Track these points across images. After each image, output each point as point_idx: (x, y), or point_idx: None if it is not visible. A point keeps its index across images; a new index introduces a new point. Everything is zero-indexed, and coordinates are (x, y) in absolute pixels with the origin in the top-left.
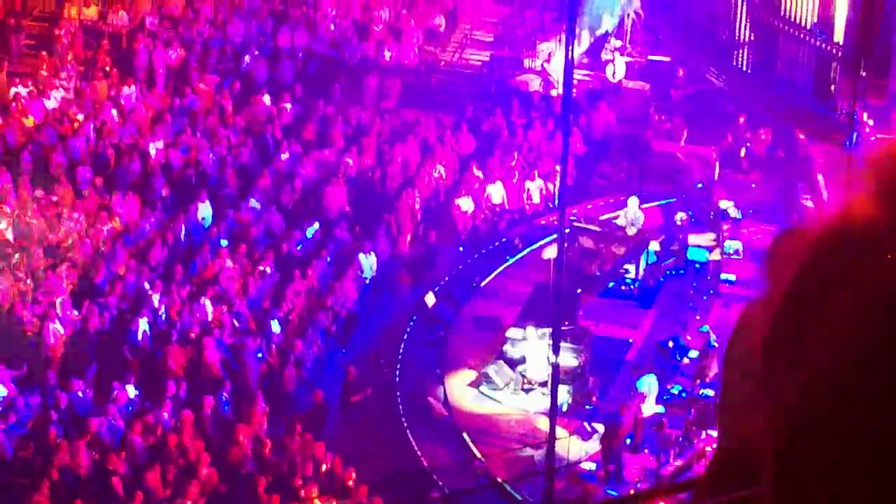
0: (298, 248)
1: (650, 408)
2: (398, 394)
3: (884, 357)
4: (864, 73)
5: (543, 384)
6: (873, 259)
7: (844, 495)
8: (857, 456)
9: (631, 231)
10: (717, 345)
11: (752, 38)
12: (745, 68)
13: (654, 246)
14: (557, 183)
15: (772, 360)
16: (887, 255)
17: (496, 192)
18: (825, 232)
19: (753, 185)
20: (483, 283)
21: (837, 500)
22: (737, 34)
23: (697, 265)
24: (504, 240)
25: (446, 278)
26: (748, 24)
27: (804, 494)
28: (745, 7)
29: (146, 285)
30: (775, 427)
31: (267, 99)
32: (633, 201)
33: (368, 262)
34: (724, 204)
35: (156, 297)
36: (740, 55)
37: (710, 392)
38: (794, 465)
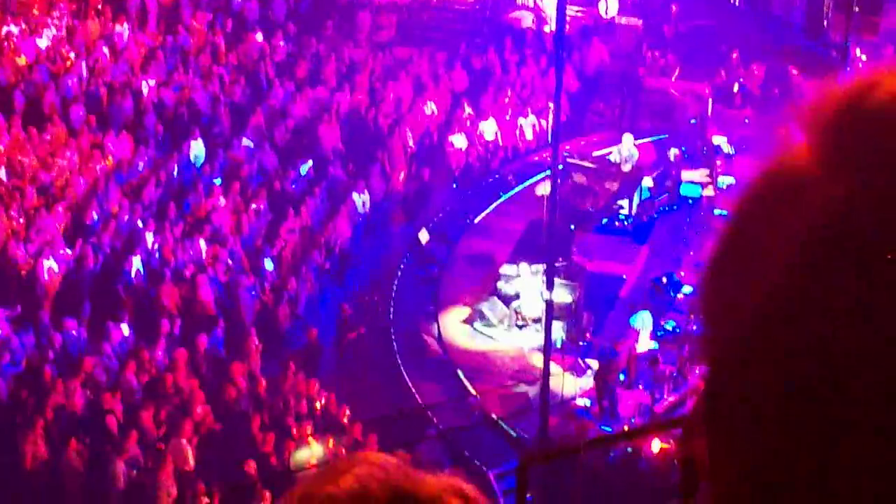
0: (293, 185)
1: (644, 344)
2: (392, 331)
3: (803, 297)
4: (856, 9)
5: (537, 320)
6: (800, 198)
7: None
8: (782, 399)
9: (626, 168)
10: None
11: None
12: (738, 4)
13: (648, 182)
14: (550, 119)
15: (704, 303)
16: (812, 193)
17: (489, 129)
18: (761, 172)
19: (746, 121)
20: (476, 220)
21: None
22: None
23: (691, 201)
24: (497, 176)
25: (440, 215)
26: None
27: (732, 434)
28: None
29: (139, 223)
30: (708, 366)
31: (259, 37)
32: (627, 138)
33: (361, 200)
34: (718, 140)
35: (149, 236)
36: None
37: None
38: (723, 409)
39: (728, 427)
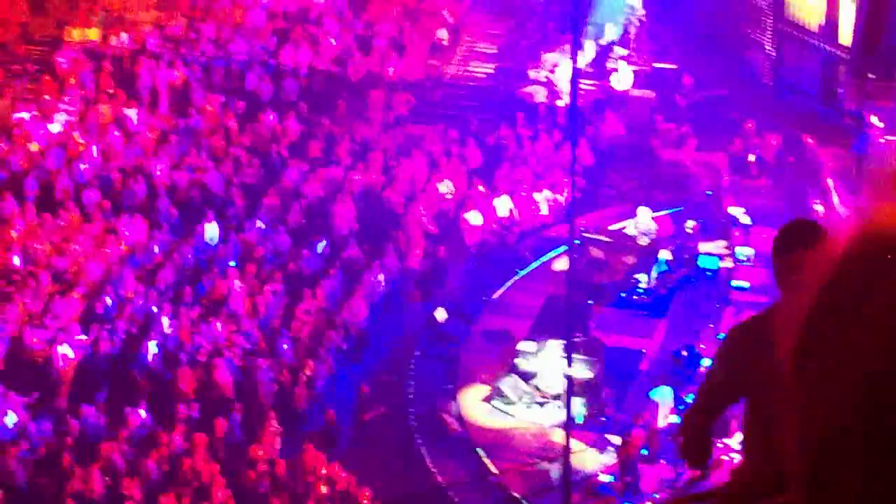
0: (308, 266)
1: (665, 418)
2: (411, 410)
3: None
4: (871, 76)
5: (557, 397)
6: None
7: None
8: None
9: (643, 241)
10: None
11: (758, 42)
12: (751, 74)
13: (665, 255)
14: (566, 194)
15: (801, 372)
16: None
17: (504, 205)
18: (854, 238)
19: (763, 191)
20: (494, 297)
21: None
22: (742, 40)
23: (709, 273)
24: (514, 252)
25: (456, 293)
26: (754, 29)
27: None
28: (750, 13)
29: (154, 308)
30: (805, 441)
31: (271, 117)
32: (643, 211)
33: (377, 279)
34: (734, 210)
35: (165, 320)
36: (746, 61)
37: None
38: (826, 479)
39: None
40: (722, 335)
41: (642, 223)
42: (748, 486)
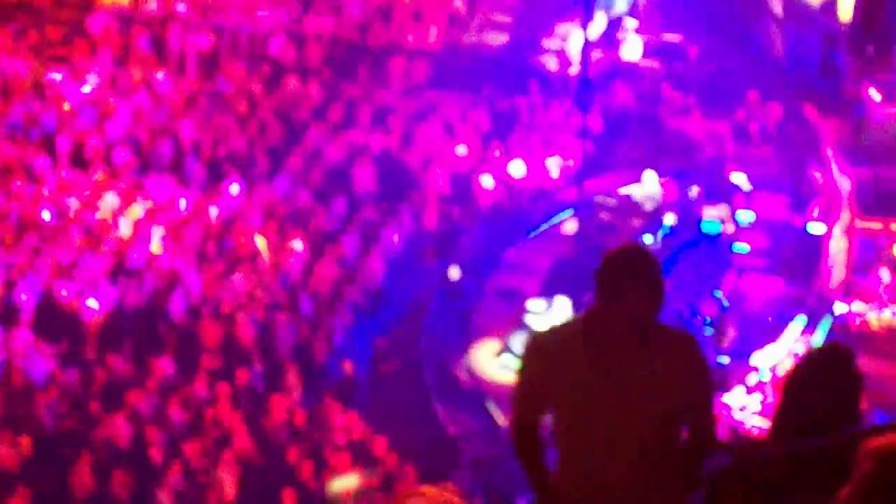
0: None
1: None
2: (425, 364)
3: None
4: (870, 49)
5: None
6: None
7: None
8: None
9: (648, 205)
10: (727, 305)
11: (763, 17)
12: (755, 46)
13: (670, 219)
14: (575, 159)
15: None
16: None
17: (517, 169)
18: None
19: (764, 159)
20: (506, 257)
21: None
22: (747, 13)
23: (711, 237)
24: (525, 215)
25: (470, 253)
26: (757, 4)
27: None
28: None
29: (180, 263)
30: None
31: (295, 82)
32: (649, 175)
33: (394, 238)
34: (737, 177)
35: (190, 275)
36: (751, 34)
37: (726, 360)
38: None
39: None
40: (719, 293)
41: (648, 188)
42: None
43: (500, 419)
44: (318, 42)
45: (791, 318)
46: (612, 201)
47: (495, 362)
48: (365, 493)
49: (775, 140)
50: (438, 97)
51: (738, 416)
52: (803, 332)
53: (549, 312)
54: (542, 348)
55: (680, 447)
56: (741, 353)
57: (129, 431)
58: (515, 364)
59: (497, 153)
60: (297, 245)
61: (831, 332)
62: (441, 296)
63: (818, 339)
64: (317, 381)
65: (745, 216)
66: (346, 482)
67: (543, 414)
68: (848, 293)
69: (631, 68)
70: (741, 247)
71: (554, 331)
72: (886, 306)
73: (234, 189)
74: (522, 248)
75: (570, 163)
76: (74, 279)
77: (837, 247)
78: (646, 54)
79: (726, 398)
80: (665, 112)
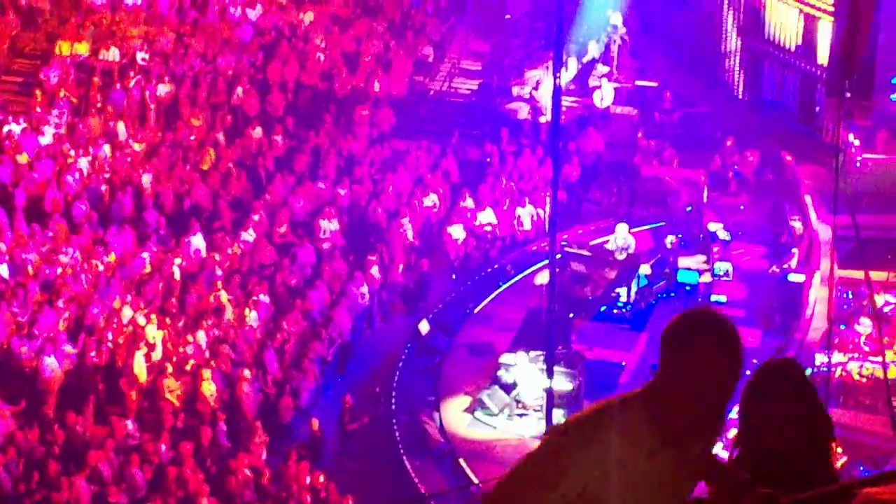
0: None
1: None
2: (394, 421)
3: None
4: (848, 94)
5: (538, 409)
6: None
7: None
8: None
9: (620, 256)
10: None
11: (738, 61)
12: (731, 91)
13: (645, 269)
14: (548, 209)
15: None
16: None
17: (487, 219)
18: None
19: (742, 207)
20: (476, 310)
21: None
22: (722, 58)
23: (688, 287)
24: (496, 266)
25: (440, 306)
26: (734, 48)
27: None
28: (730, 31)
29: (141, 319)
30: None
31: (258, 132)
32: (621, 227)
33: (361, 291)
34: (714, 226)
35: (151, 330)
36: (726, 78)
37: None
38: None
39: None
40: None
41: (620, 238)
42: None
43: (473, 477)
44: (282, 90)
45: None
46: (585, 252)
47: (467, 418)
48: None
49: (753, 187)
50: (406, 146)
51: None
52: None
53: (522, 367)
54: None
55: None
56: None
57: (90, 492)
58: (487, 420)
59: (467, 203)
60: (262, 299)
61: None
62: (410, 350)
63: None
64: (283, 438)
65: (723, 266)
66: None
67: None
68: (828, 344)
69: (604, 115)
70: (719, 297)
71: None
72: (868, 357)
73: (197, 242)
74: (493, 301)
75: (542, 212)
76: (33, 336)
77: (817, 296)
78: (619, 101)
79: None
80: (640, 160)
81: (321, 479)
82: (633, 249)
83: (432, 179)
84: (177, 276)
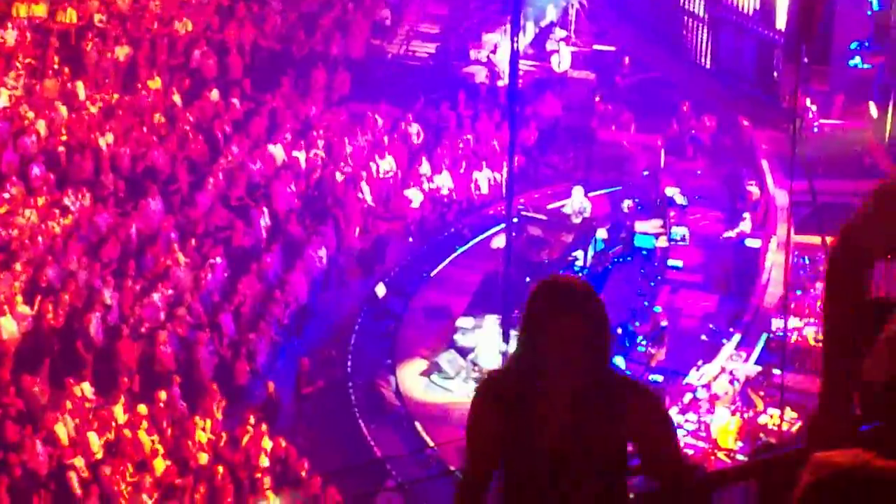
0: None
1: None
2: (350, 385)
3: None
4: (806, 60)
5: None
6: None
7: None
8: None
9: (577, 220)
10: (667, 324)
11: (696, 25)
12: (690, 56)
13: (602, 233)
14: (504, 172)
15: None
16: None
17: (444, 183)
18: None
19: (699, 172)
20: (433, 274)
21: None
22: (683, 23)
23: (644, 252)
24: (453, 230)
25: (396, 269)
26: (691, 13)
27: None
28: None
29: (98, 281)
30: None
31: (215, 94)
32: (577, 191)
33: (318, 255)
34: (671, 191)
35: (108, 293)
36: (686, 44)
37: (659, 378)
38: None
39: None
40: (658, 308)
41: (577, 202)
42: None
43: (429, 440)
44: (240, 52)
45: (726, 335)
46: (541, 216)
47: (423, 382)
48: None
49: (710, 152)
50: (364, 109)
51: None
52: (738, 349)
53: (478, 330)
54: (497, 396)
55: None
56: (675, 372)
57: (47, 455)
58: (443, 384)
59: (423, 166)
60: (218, 261)
61: (767, 348)
62: (366, 314)
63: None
64: (239, 401)
65: (679, 231)
66: None
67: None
68: (785, 309)
69: (561, 79)
70: (675, 262)
71: (508, 374)
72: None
73: (154, 205)
74: (450, 265)
75: (499, 176)
76: None
77: (774, 261)
78: (576, 65)
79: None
80: (597, 124)
81: (277, 441)
82: (590, 213)
83: (390, 143)
84: (133, 238)
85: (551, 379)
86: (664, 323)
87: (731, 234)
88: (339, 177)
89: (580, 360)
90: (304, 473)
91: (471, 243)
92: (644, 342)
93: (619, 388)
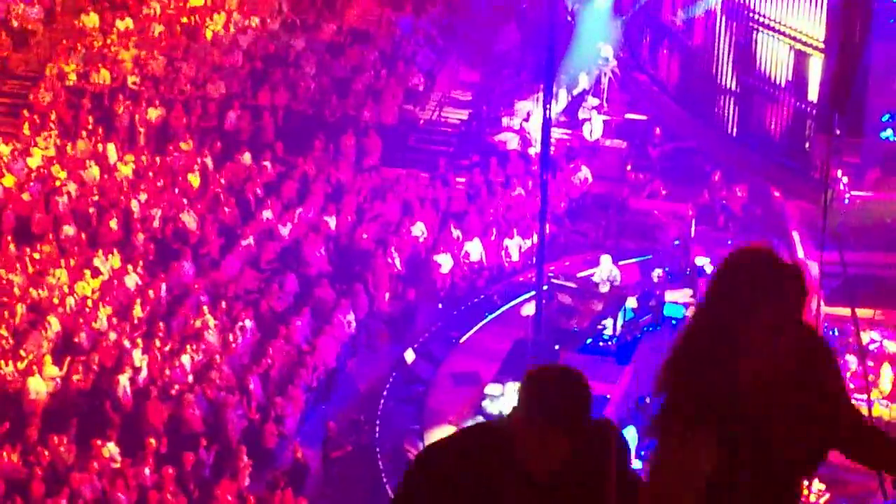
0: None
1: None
2: (378, 450)
3: None
4: (838, 131)
5: None
6: None
7: None
8: None
9: (604, 288)
10: None
11: (728, 96)
12: (722, 126)
13: (632, 302)
14: (535, 240)
15: None
16: None
17: (475, 250)
18: None
19: (729, 242)
20: (462, 340)
21: None
22: (715, 92)
23: (674, 321)
24: (482, 296)
25: (425, 335)
26: (724, 83)
27: None
28: (721, 66)
29: (127, 342)
30: None
31: (247, 157)
32: (605, 259)
33: (347, 319)
34: (701, 260)
35: (137, 354)
36: (718, 113)
37: None
38: None
39: None
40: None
41: (605, 270)
42: None
43: None
44: (272, 116)
45: None
46: (572, 284)
47: None
48: None
49: (741, 222)
50: (395, 174)
51: None
52: None
53: (507, 397)
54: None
55: None
56: None
57: None
58: None
59: (455, 233)
60: (247, 325)
61: None
62: (395, 379)
63: None
64: (266, 465)
65: None
66: None
67: None
68: None
69: (593, 147)
70: None
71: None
72: (853, 395)
73: (184, 267)
74: (480, 331)
75: (530, 243)
76: (18, 358)
77: None
78: (608, 134)
79: None
80: (628, 192)
81: None
82: (619, 282)
83: (421, 208)
84: (163, 300)
85: None
86: None
87: None
88: (369, 241)
89: None
90: None
91: (501, 310)
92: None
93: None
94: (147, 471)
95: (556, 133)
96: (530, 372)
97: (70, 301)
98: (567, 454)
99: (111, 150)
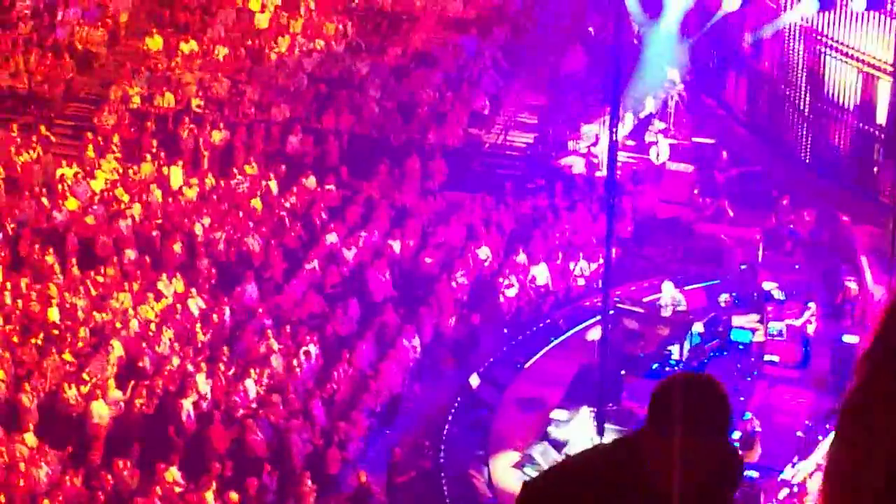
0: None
1: None
2: (443, 475)
3: None
4: None
5: None
6: None
7: None
8: None
9: (666, 313)
10: (759, 430)
11: (796, 120)
12: (788, 150)
13: (698, 327)
14: (601, 264)
15: None
16: None
17: (540, 274)
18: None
19: (797, 267)
20: (527, 365)
21: None
22: (780, 116)
23: (741, 346)
24: (548, 321)
25: (490, 360)
26: (792, 107)
27: None
28: (789, 89)
29: (190, 366)
30: None
31: (312, 181)
32: (667, 286)
33: (412, 344)
34: (768, 285)
35: (201, 378)
36: (783, 137)
37: (755, 474)
38: None
39: None
40: (748, 415)
41: (667, 296)
42: None
43: None
44: (337, 139)
45: (822, 433)
46: (638, 308)
47: (515, 474)
48: None
49: (808, 247)
50: (460, 198)
51: None
52: None
53: (572, 423)
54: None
55: None
56: (770, 468)
57: None
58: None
59: (520, 257)
60: (312, 349)
61: None
62: (460, 404)
63: None
64: (330, 490)
65: (776, 326)
66: None
67: None
68: None
69: (659, 171)
70: (772, 357)
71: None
72: None
73: (248, 290)
74: (545, 356)
75: (596, 268)
76: (82, 381)
77: None
78: (675, 157)
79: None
80: (694, 217)
81: None
82: (684, 307)
83: (485, 232)
84: (227, 324)
85: None
86: (757, 428)
87: (831, 330)
88: (433, 266)
89: None
90: None
91: (566, 335)
92: (739, 440)
93: None
94: (210, 496)
95: (623, 156)
96: (662, 381)
97: (133, 325)
98: (710, 466)
99: (175, 174)
